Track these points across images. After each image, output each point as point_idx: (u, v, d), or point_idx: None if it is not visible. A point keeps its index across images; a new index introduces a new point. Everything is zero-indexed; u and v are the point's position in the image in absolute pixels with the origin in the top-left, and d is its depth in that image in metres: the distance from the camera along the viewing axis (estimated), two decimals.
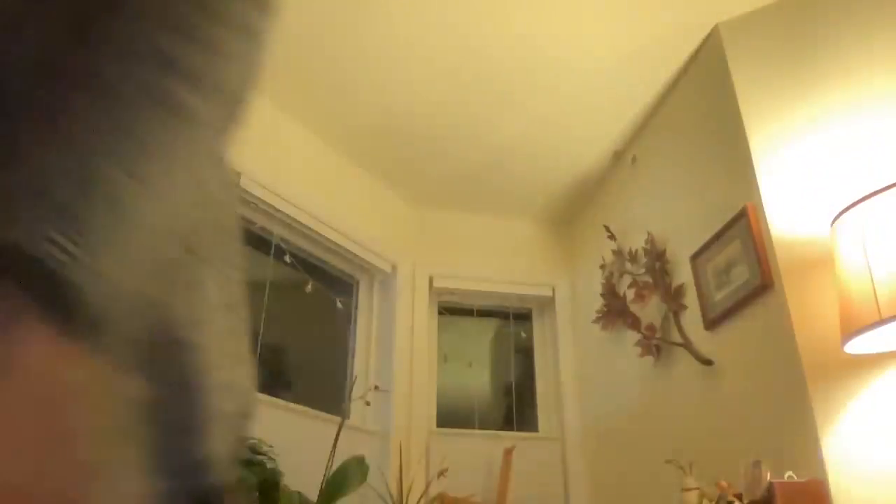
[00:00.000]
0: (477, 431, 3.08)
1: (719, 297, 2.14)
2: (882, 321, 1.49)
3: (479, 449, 3.03)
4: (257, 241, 2.73)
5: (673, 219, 2.53)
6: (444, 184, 3.29)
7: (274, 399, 2.42)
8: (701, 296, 2.25)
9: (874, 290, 1.53)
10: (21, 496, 0.23)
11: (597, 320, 2.97)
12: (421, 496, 2.56)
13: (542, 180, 3.25)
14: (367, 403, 2.97)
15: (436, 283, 3.31)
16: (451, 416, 3.23)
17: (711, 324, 2.18)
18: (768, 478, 1.64)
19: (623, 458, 2.76)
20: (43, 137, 0.26)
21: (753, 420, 1.93)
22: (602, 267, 3.03)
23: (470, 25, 2.36)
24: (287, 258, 2.77)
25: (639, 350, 2.68)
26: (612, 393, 2.90)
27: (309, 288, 2.81)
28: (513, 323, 3.52)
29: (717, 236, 2.17)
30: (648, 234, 2.64)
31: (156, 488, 0.30)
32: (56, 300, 0.24)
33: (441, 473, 2.66)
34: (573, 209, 3.50)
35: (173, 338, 0.32)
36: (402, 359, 3.04)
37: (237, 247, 0.42)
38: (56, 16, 0.28)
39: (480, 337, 3.49)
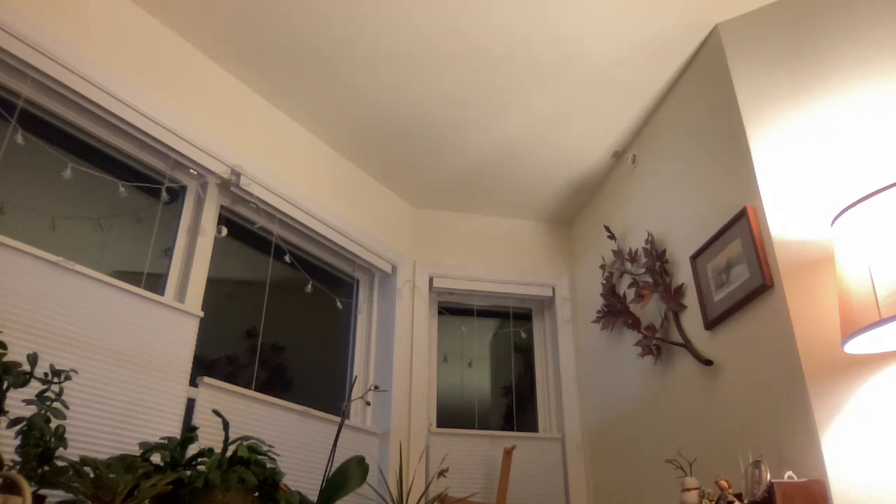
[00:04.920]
0: (477, 431, 3.08)
1: (719, 297, 2.14)
2: (882, 321, 1.49)
3: (479, 449, 3.03)
4: (257, 241, 2.74)
5: (673, 219, 2.53)
6: (444, 184, 3.29)
7: (274, 399, 2.42)
8: (701, 296, 2.25)
9: (874, 290, 1.53)
10: None
11: (597, 320, 2.97)
12: (421, 496, 2.56)
13: (542, 180, 3.25)
14: (368, 403, 2.97)
15: (436, 283, 3.31)
16: (451, 416, 3.23)
17: (711, 324, 2.18)
18: (768, 478, 1.64)
19: (623, 458, 2.76)
20: None
21: (753, 420, 1.93)
22: (602, 267, 3.03)
23: (470, 26, 2.36)
24: (287, 258, 2.77)
25: (639, 350, 2.68)
26: (612, 393, 2.90)
27: (309, 288, 2.81)
28: (513, 323, 3.52)
29: (717, 236, 2.17)
30: (648, 234, 2.64)
31: None
32: None
33: (441, 473, 2.66)
34: (573, 209, 3.50)
35: None
36: (401, 359, 3.04)
37: None
38: None
39: (480, 337, 3.49)
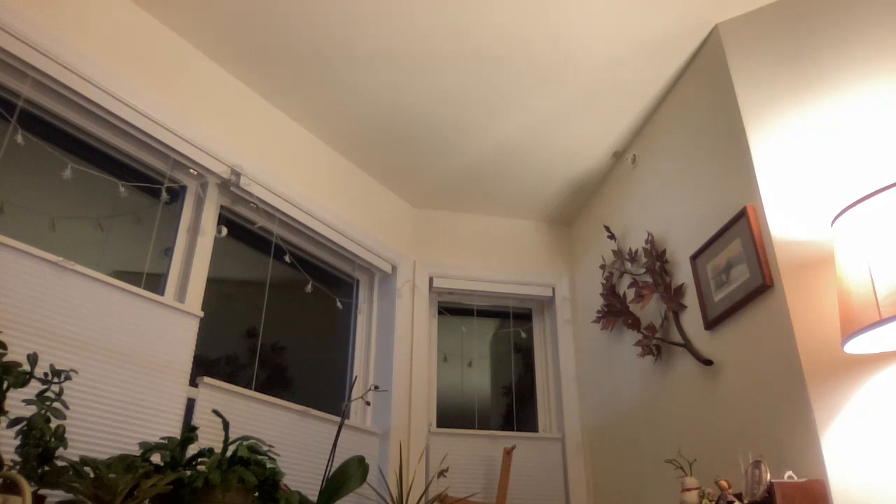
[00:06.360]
0: (477, 431, 3.08)
1: (719, 297, 2.14)
2: (882, 321, 1.49)
3: (479, 449, 3.03)
4: (257, 241, 2.74)
5: (673, 219, 2.53)
6: (444, 184, 3.29)
7: (274, 399, 2.42)
8: (701, 296, 2.25)
9: (874, 289, 1.53)
10: None
11: (597, 320, 2.97)
12: (421, 496, 2.56)
13: (542, 180, 3.25)
14: (368, 403, 2.97)
15: (436, 283, 3.31)
16: (451, 416, 3.23)
17: (711, 324, 2.18)
18: (768, 478, 1.64)
19: (623, 458, 2.76)
20: None
21: (753, 420, 1.93)
22: (602, 267, 3.03)
23: (470, 26, 2.36)
24: (287, 258, 2.77)
25: (639, 350, 2.68)
26: (612, 393, 2.90)
27: (309, 288, 2.81)
28: (513, 323, 3.52)
29: (717, 236, 2.17)
30: (648, 234, 2.64)
31: None
32: None
33: (441, 473, 2.66)
34: (573, 209, 3.50)
35: None
36: (401, 359, 3.04)
37: None
38: None
39: (480, 337, 3.49)
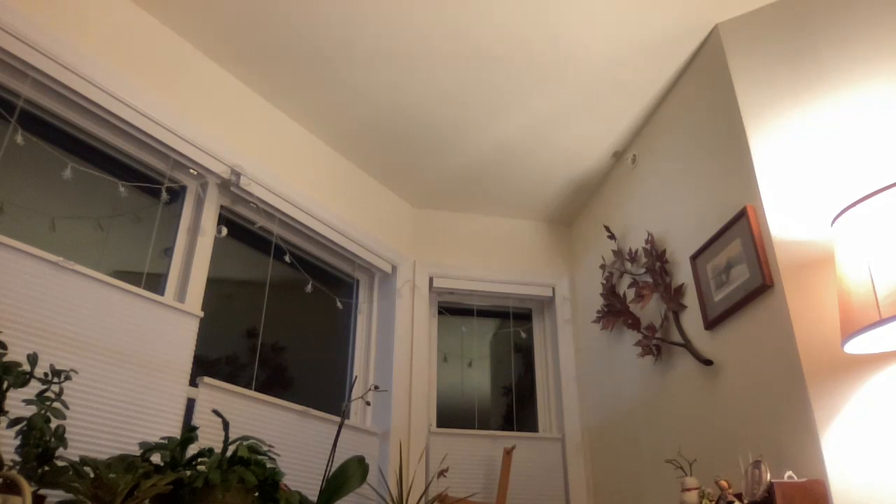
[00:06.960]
0: (477, 431, 3.08)
1: (719, 297, 2.14)
2: (882, 321, 1.49)
3: (479, 449, 3.03)
4: (257, 241, 2.74)
5: (673, 219, 2.53)
6: (444, 184, 3.29)
7: (274, 399, 2.42)
8: (701, 296, 2.25)
9: (874, 289, 1.53)
10: None
11: (597, 320, 2.97)
12: (421, 496, 2.56)
13: (542, 180, 3.25)
14: (368, 403, 2.97)
15: (436, 283, 3.31)
16: (451, 416, 3.23)
17: (711, 324, 2.18)
18: (768, 478, 1.64)
19: (623, 458, 2.76)
20: None
21: (753, 420, 1.93)
22: (602, 267, 3.03)
23: (470, 26, 2.36)
24: (287, 258, 2.77)
25: (639, 350, 2.68)
26: (612, 393, 2.90)
27: (309, 288, 2.81)
28: (513, 323, 3.52)
29: (717, 236, 2.17)
30: (648, 234, 2.64)
31: None
32: None
33: (441, 473, 2.66)
34: (573, 209, 3.50)
35: None
36: (401, 359, 3.04)
37: None
38: None
39: (480, 337, 3.49)
